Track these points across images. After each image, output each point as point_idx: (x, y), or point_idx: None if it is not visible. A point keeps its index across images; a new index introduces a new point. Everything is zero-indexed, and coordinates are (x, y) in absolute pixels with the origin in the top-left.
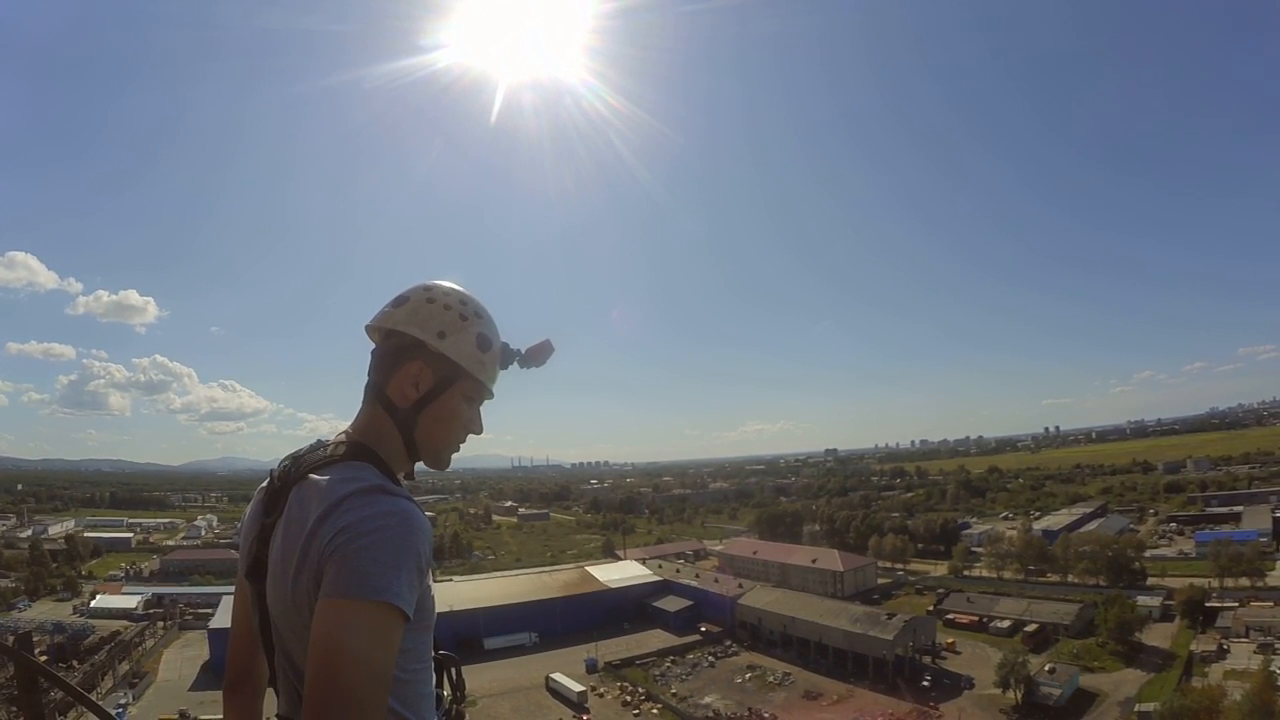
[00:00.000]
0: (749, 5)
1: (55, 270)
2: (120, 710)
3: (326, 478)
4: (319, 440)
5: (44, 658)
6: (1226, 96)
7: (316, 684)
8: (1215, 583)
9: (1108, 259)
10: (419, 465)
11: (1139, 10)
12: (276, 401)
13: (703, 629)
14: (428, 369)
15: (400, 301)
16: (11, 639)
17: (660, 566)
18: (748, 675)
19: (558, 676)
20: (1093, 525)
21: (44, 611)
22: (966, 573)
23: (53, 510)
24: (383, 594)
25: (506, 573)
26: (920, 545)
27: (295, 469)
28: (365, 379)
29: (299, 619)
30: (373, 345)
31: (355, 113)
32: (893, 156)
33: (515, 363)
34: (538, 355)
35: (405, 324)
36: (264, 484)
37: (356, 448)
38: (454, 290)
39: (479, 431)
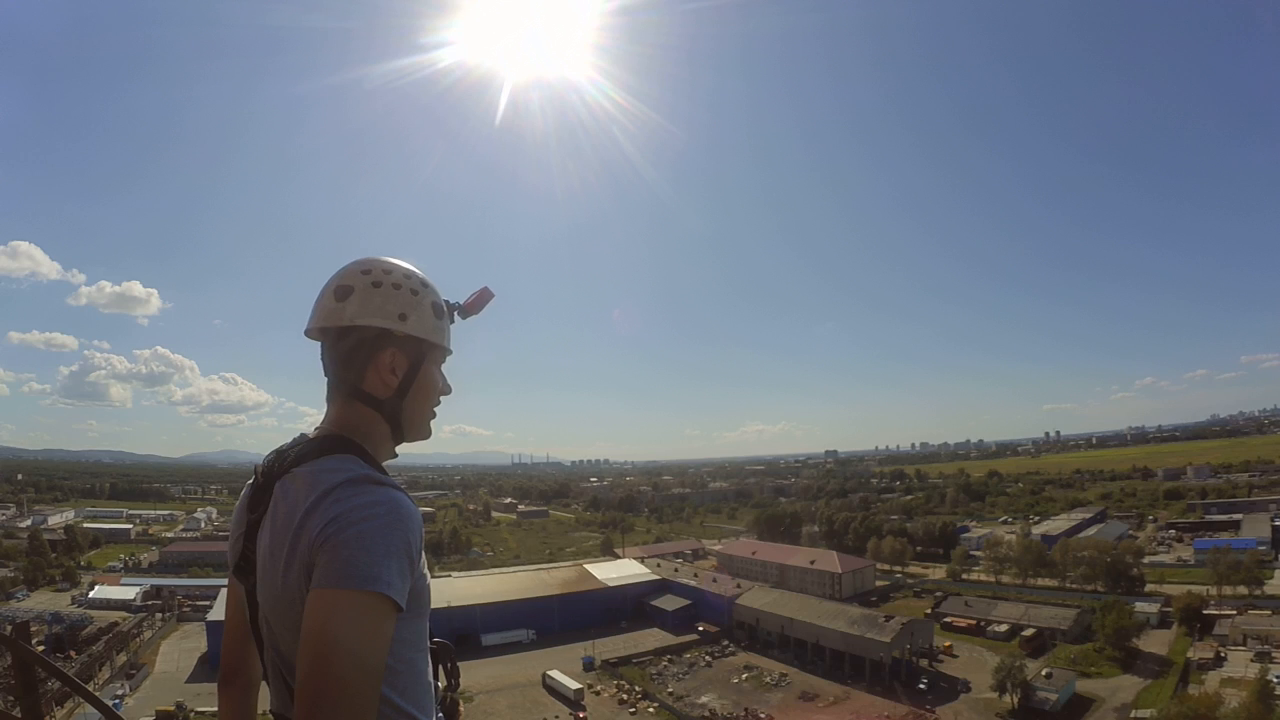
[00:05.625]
0: (753, 2)
1: (59, 261)
2: (117, 701)
3: (313, 469)
4: (302, 435)
5: (41, 648)
6: (1232, 104)
7: (308, 675)
8: (1213, 590)
9: (1111, 265)
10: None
11: (1147, 14)
12: (278, 395)
13: (700, 629)
14: (400, 354)
15: (344, 294)
16: (9, 628)
17: (659, 566)
18: (744, 675)
19: (555, 674)
20: (1092, 531)
21: (42, 602)
22: (965, 576)
23: (52, 500)
24: (373, 584)
25: (505, 569)
26: (919, 548)
27: (279, 463)
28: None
29: (290, 613)
30: (321, 340)
31: (360, 110)
32: (896, 158)
33: (458, 315)
34: (477, 305)
35: (361, 317)
36: (251, 480)
37: (340, 440)
38: (395, 266)
39: (449, 391)
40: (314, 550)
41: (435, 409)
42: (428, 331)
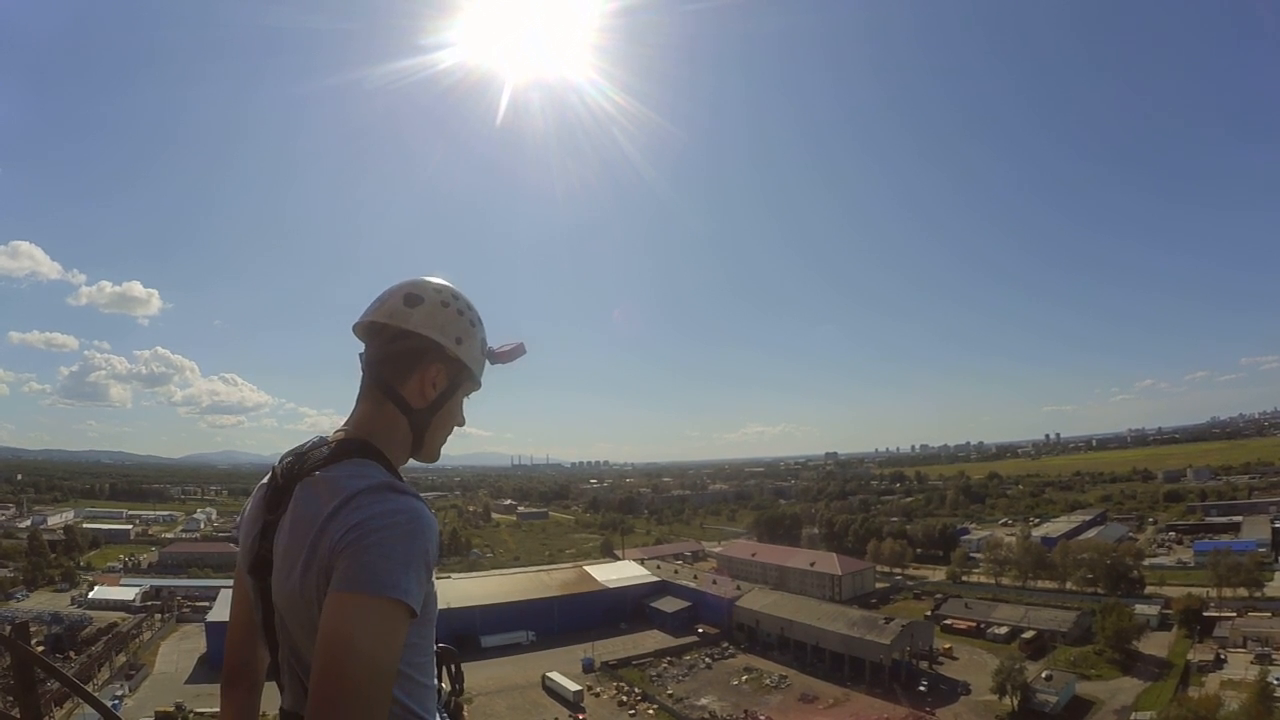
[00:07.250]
0: (754, 3)
1: (59, 261)
2: (116, 702)
3: (335, 474)
4: (319, 437)
5: (41, 648)
6: (1232, 104)
7: (322, 677)
8: (1213, 592)
9: (1111, 266)
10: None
11: (1146, 14)
12: (278, 396)
13: (700, 630)
14: (445, 373)
15: (414, 301)
16: (8, 629)
17: (659, 567)
18: (744, 677)
19: (554, 675)
20: (1092, 533)
21: (42, 602)
22: (965, 578)
23: (52, 501)
24: (392, 590)
25: (505, 571)
26: (919, 550)
27: (299, 466)
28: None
29: (306, 614)
30: (371, 336)
31: (360, 111)
32: (896, 158)
33: (487, 359)
34: (509, 355)
35: (425, 327)
36: (264, 480)
37: (361, 445)
38: (461, 295)
39: (463, 424)
40: (334, 555)
41: (448, 436)
42: (472, 361)
